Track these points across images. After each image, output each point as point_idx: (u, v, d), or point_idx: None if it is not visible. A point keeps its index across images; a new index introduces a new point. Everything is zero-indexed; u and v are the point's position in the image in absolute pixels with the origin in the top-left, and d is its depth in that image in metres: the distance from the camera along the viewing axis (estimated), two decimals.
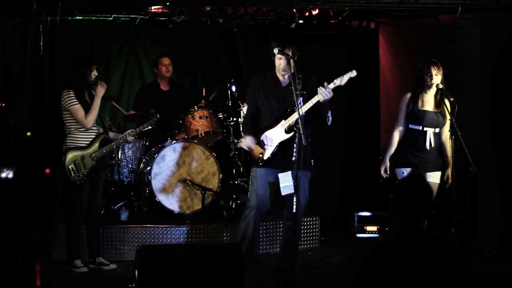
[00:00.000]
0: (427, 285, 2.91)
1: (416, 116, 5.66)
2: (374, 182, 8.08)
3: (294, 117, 5.22)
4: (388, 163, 5.73)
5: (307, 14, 7.81)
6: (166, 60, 7.54)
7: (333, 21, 8.09)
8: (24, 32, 7.26)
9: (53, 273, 5.25)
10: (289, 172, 5.16)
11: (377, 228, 7.33)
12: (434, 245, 3.02)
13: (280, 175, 5.22)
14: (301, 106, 5.13)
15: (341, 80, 5.17)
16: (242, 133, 5.54)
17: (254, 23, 7.89)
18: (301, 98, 5.25)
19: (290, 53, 5.20)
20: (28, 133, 6.60)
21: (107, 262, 5.98)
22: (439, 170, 5.71)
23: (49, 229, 6.20)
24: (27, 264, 5.08)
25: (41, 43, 7.23)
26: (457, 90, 6.32)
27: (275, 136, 5.34)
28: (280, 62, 5.29)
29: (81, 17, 7.43)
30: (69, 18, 7.38)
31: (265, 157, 5.36)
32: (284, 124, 5.30)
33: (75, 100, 5.75)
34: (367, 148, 8.22)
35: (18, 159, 6.94)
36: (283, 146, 5.32)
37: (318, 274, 5.91)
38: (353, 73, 5.18)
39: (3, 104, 6.71)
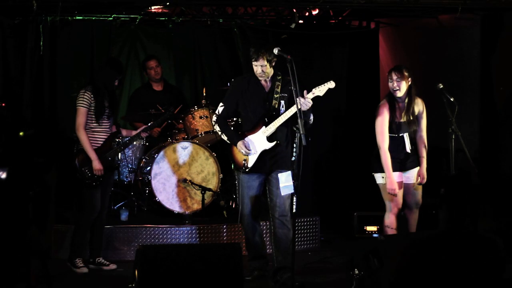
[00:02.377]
0: (463, 282, 2.92)
1: (393, 127, 5.68)
2: (374, 182, 8.06)
3: (274, 125, 5.32)
4: (395, 180, 5.68)
5: (307, 14, 7.81)
6: (152, 63, 7.55)
7: (333, 21, 8.09)
8: (24, 32, 7.25)
9: (50, 272, 5.26)
10: (289, 172, 5.17)
11: (377, 228, 7.32)
12: (474, 244, 3.02)
13: (280, 175, 5.24)
14: (299, 108, 5.08)
15: (321, 91, 5.23)
16: (220, 131, 5.53)
17: (254, 23, 7.88)
18: (283, 102, 5.39)
19: (265, 62, 5.26)
20: (21, 133, 6.57)
21: (107, 262, 5.97)
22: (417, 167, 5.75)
23: (45, 229, 6.18)
24: (23, 264, 5.08)
25: (41, 43, 7.22)
26: (457, 90, 6.33)
27: (258, 143, 5.42)
28: (256, 68, 5.36)
29: (81, 17, 7.43)
30: (69, 18, 7.38)
31: (250, 165, 5.42)
32: (265, 131, 5.38)
33: (85, 103, 5.71)
34: (367, 148, 8.19)
35: (12, 158, 6.92)
36: (264, 152, 5.41)
37: (318, 274, 5.91)
38: (332, 84, 5.23)
39: (3, 104, 6.70)
